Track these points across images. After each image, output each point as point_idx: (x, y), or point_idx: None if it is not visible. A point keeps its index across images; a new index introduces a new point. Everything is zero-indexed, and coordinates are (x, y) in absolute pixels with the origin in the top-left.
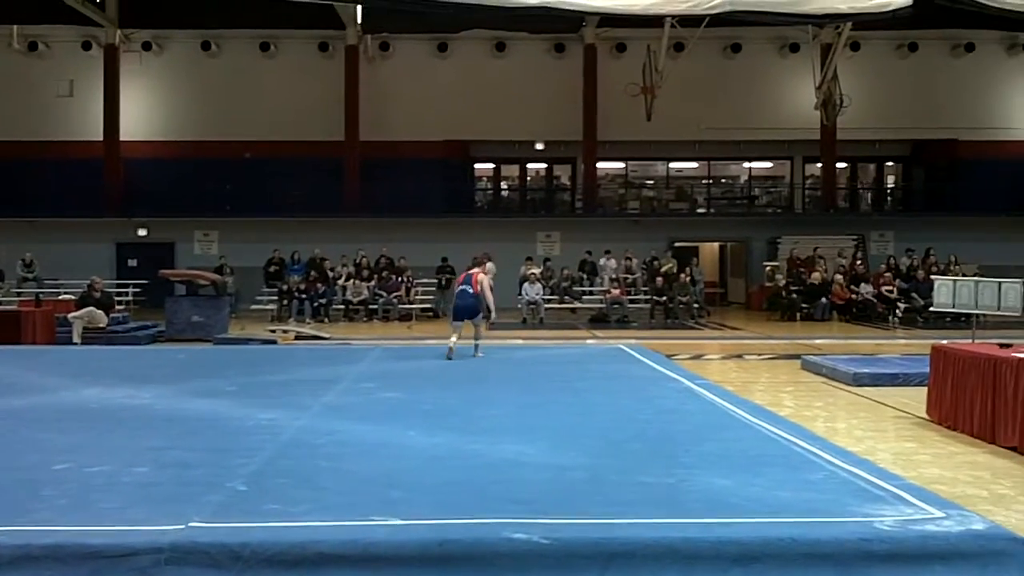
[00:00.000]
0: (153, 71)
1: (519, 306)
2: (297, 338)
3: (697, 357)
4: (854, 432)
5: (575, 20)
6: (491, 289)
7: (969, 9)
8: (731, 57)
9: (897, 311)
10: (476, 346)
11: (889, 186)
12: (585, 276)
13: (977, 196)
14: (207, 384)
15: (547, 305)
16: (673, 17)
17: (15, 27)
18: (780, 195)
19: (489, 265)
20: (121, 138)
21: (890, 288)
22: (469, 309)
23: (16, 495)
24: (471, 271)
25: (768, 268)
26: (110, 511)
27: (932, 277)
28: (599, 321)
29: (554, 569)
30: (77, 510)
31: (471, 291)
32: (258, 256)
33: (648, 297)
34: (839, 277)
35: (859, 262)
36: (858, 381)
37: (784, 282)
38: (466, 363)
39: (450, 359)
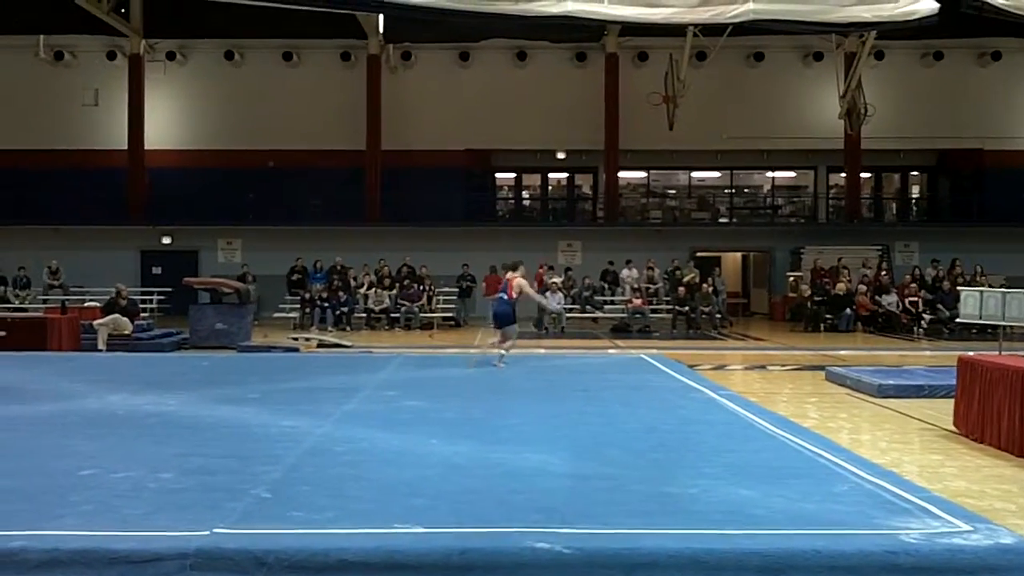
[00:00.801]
0: (177, 80)
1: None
2: (319, 346)
3: (719, 368)
4: (879, 444)
5: (596, 29)
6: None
7: (995, 17)
8: (754, 66)
9: (922, 322)
10: (500, 355)
11: (914, 196)
12: (607, 285)
13: (1004, 206)
14: (230, 391)
15: (569, 314)
16: (695, 26)
17: (41, 37)
18: (804, 205)
19: (520, 271)
20: (145, 147)
21: (915, 299)
22: (504, 316)
23: (43, 500)
24: (507, 276)
25: (791, 278)
26: (135, 517)
27: (958, 288)
28: (621, 331)
29: None
30: (103, 515)
31: (506, 297)
32: (281, 264)
33: (670, 307)
34: (863, 288)
35: (884, 273)
36: (883, 393)
37: (808, 292)
38: (488, 372)
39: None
